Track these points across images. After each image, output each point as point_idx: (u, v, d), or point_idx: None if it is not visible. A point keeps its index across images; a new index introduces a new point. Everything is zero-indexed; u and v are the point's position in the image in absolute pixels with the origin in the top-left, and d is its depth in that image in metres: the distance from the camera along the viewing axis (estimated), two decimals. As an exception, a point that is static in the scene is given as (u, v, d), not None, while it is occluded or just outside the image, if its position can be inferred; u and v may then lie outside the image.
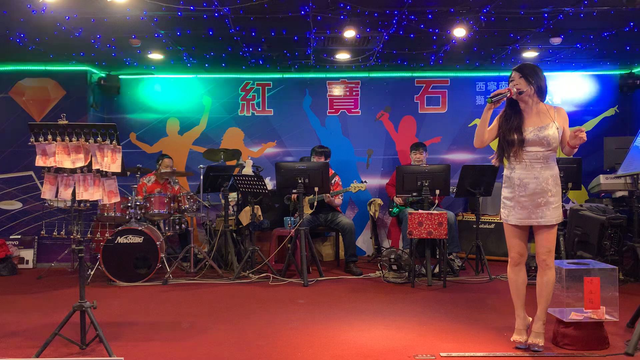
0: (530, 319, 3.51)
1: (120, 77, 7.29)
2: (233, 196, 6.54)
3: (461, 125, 7.41)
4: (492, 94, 3.33)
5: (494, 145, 3.54)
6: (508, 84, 3.42)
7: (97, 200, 3.48)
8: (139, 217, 5.81)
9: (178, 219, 6.12)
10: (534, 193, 3.33)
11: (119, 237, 5.51)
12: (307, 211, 6.11)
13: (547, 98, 3.52)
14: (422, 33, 5.41)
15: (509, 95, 3.32)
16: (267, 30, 5.39)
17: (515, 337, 3.46)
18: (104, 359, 3.26)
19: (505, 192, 3.47)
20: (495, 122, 3.48)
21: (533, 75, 3.33)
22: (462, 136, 7.40)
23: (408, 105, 7.45)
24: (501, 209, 3.50)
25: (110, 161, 3.41)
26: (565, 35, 5.55)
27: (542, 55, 6.42)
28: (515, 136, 3.34)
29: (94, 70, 7.09)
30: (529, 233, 3.47)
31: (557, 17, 5.00)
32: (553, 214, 3.33)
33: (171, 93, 7.43)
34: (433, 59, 6.54)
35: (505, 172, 3.48)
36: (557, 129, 3.31)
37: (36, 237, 6.75)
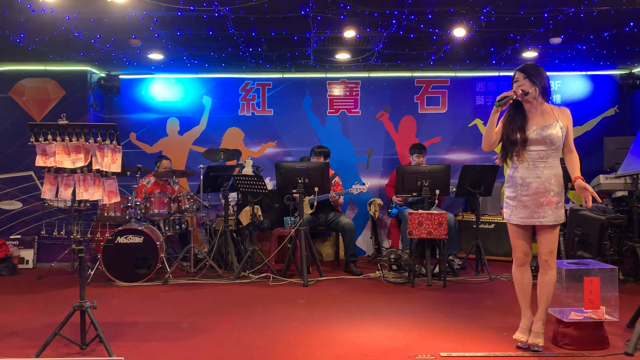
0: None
1: (120, 77, 7.29)
2: (233, 196, 6.55)
3: (461, 125, 7.41)
4: (498, 98, 3.32)
5: (498, 148, 3.54)
6: (512, 84, 3.42)
7: (97, 200, 3.48)
8: (139, 217, 5.81)
9: (178, 219, 6.12)
10: (537, 192, 3.33)
11: (119, 237, 5.51)
12: (307, 211, 6.11)
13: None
14: (422, 33, 5.41)
15: (515, 97, 3.32)
16: (267, 30, 5.39)
17: (518, 336, 3.45)
18: (104, 359, 3.26)
19: (507, 192, 3.47)
20: (500, 123, 3.47)
21: (537, 75, 3.33)
22: (462, 136, 7.40)
23: (408, 105, 7.45)
24: (504, 209, 3.51)
25: (110, 161, 3.41)
26: (565, 35, 5.55)
27: (542, 55, 6.42)
28: (518, 136, 3.34)
29: (94, 70, 7.09)
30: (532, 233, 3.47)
31: (557, 17, 5.00)
32: (555, 214, 3.32)
33: (171, 93, 7.43)
34: (433, 59, 6.54)
35: (508, 172, 3.48)
36: (561, 128, 3.31)
37: (36, 237, 6.75)
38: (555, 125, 3.31)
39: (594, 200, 3.30)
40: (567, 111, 3.40)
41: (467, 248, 6.28)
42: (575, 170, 3.36)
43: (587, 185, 3.29)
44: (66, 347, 3.46)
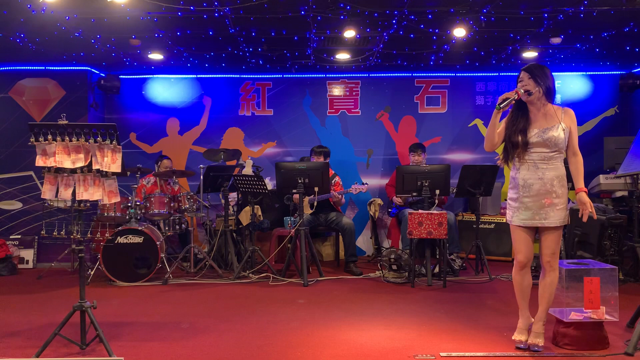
0: (533, 319, 3.50)
1: (120, 77, 7.30)
2: (233, 196, 6.54)
3: (461, 125, 7.41)
4: (500, 100, 3.28)
5: (499, 149, 3.54)
6: (516, 83, 3.41)
7: (97, 200, 3.48)
8: (139, 217, 5.81)
9: (178, 219, 6.12)
10: (538, 194, 3.32)
11: (119, 237, 5.51)
12: (307, 211, 6.11)
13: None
14: (422, 33, 5.41)
15: (517, 97, 3.30)
16: (267, 30, 5.39)
17: (517, 336, 3.45)
18: (104, 359, 3.26)
19: (510, 193, 3.46)
20: (503, 123, 3.45)
21: (542, 75, 3.31)
22: (462, 136, 7.40)
23: (408, 105, 7.45)
24: (507, 210, 3.50)
25: (110, 161, 3.41)
26: (565, 35, 5.55)
27: (542, 55, 6.43)
28: (520, 138, 3.32)
29: (94, 70, 7.09)
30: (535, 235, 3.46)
31: (557, 17, 5.00)
32: (557, 216, 3.31)
33: (171, 93, 7.43)
34: (433, 59, 6.54)
35: (511, 173, 3.47)
36: (564, 130, 3.29)
37: (36, 237, 6.75)
38: (557, 127, 3.29)
39: (593, 200, 3.29)
40: (571, 112, 3.37)
41: (467, 248, 6.28)
42: (579, 179, 3.33)
43: (588, 201, 3.27)
44: (66, 347, 3.46)
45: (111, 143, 3.41)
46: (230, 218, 6.17)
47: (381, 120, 7.46)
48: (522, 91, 3.31)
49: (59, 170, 3.42)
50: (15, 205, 6.86)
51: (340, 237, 6.39)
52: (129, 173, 5.90)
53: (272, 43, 5.84)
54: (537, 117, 3.35)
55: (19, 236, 6.77)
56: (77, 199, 3.43)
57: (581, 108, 7.30)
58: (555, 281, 3.39)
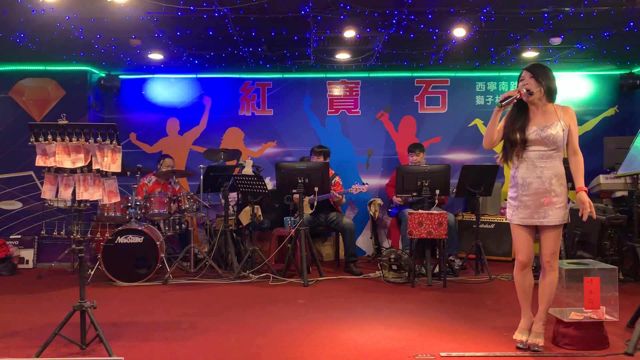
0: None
1: (120, 77, 7.30)
2: (233, 196, 6.55)
3: (461, 125, 7.41)
4: (501, 98, 3.29)
5: (497, 148, 3.54)
6: (518, 82, 3.41)
7: (97, 200, 3.48)
8: (139, 217, 5.81)
9: (178, 219, 6.12)
10: (537, 193, 3.32)
11: (119, 237, 5.51)
12: (307, 211, 6.11)
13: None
14: (422, 33, 5.41)
15: (518, 97, 3.30)
16: (267, 30, 5.39)
17: (517, 336, 3.45)
18: (104, 359, 3.26)
19: (510, 192, 3.46)
20: (502, 121, 3.46)
21: (543, 75, 3.31)
22: (462, 136, 7.40)
23: (408, 105, 7.45)
24: (507, 209, 3.50)
25: (110, 161, 3.41)
26: (565, 35, 5.55)
27: (542, 55, 6.43)
28: (518, 136, 3.33)
29: (94, 70, 7.09)
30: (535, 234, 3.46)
31: (557, 17, 5.00)
32: (557, 214, 3.30)
33: (171, 93, 7.43)
34: (433, 59, 6.55)
35: (510, 172, 3.48)
36: (563, 129, 3.28)
37: (36, 237, 6.75)
38: (556, 125, 3.29)
39: (593, 200, 3.28)
40: (571, 110, 3.36)
41: (467, 248, 6.28)
42: (579, 178, 3.30)
43: (587, 200, 3.25)
44: (66, 347, 3.46)
45: (111, 143, 3.41)
46: (230, 218, 6.17)
47: (381, 120, 7.46)
48: (524, 90, 3.31)
49: (59, 170, 3.42)
50: (15, 205, 6.86)
51: (340, 237, 6.39)
52: (129, 173, 5.89)
53: (272, 43, 5.84)
54: (537, 116, 3.35)
55: (19, 236, 6.77)
56: (77, 199, 3.43)
57: (581, 108, 7.31)
58: (555, 281, 3.39)
